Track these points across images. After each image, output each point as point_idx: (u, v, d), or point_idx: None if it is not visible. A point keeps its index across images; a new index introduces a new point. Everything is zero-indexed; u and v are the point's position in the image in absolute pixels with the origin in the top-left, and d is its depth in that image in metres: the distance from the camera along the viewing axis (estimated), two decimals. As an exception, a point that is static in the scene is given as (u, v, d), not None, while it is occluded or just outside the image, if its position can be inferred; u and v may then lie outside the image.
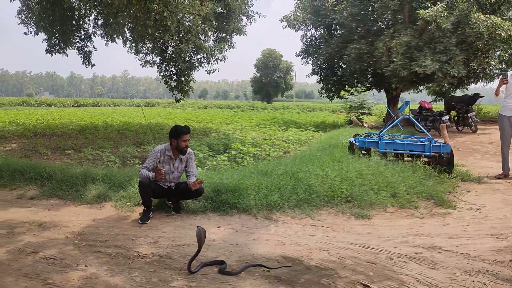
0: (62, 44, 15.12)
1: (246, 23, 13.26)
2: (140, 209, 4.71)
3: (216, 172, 5.96)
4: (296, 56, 19.71)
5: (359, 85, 16.67)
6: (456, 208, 5.07)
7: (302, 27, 18.19)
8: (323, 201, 4.98)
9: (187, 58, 11.61)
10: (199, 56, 12.27)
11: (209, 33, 11.56)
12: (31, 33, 14.76)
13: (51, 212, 4.80)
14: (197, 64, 12.32)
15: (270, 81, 67.22)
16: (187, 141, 4.51)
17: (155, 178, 4.36)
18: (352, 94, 15.52)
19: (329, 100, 19.35)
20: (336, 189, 5.11)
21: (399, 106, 17.46)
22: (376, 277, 3.12)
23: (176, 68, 11.99)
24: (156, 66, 12.52)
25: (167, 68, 12.44)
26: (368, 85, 16.81)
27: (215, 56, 12.23)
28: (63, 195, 5.36)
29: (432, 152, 6.20)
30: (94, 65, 15.11)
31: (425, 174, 6.00)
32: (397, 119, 7.02)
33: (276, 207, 4.77)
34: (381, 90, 18.24)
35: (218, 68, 12.81)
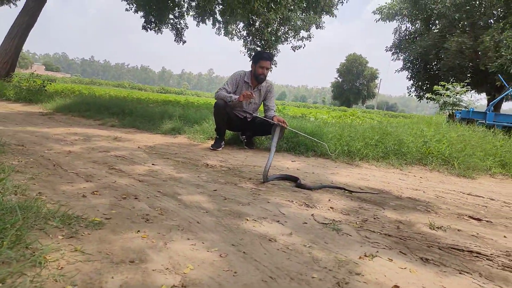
0: (157, 22, 15.98)
1: (337, 1, 12.61)
2: (213, 142, 4.50)
3: (295, 119, 5.56)
4: (387, 50, 18.57)
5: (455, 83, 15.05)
6: None
7: (397, 17, 17.02)
8: (415, 158, 4.30)
9: (273, 31, 11.40)
10: (286, 28, 11.99)
11: (298, 8, 11.22)
12: (131, 9, 15.81)
13: (127, 134, 4.81)
14: (283, 39, 12.07)
15: (351, 87, 64.80)
16: (264, 69, 4.09)
17: (239, 100, 4.00)
18: (447, 89, 14.02)
19: (418, 99, 17.86)
20: (432, 148, 4.40)
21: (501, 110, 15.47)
22: (489, 215, 2.46)
23: (262, 41, 11.86)
24: (242, 40, 12.56)
25: (253, 40, 12.38)
26: (466, 83, 15.12)
27: (301, 30, 11.84)
28: (140, 126, 5.40)
29: (557, 129, 5.11)
30: (186, 41, 15.70)
31: (544, 153, 4.95)
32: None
33: (358, 155, 4.22)
34: (482, 92, 16.34)
35: (304, 45, 12.42)
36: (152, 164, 3.11)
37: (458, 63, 14.52)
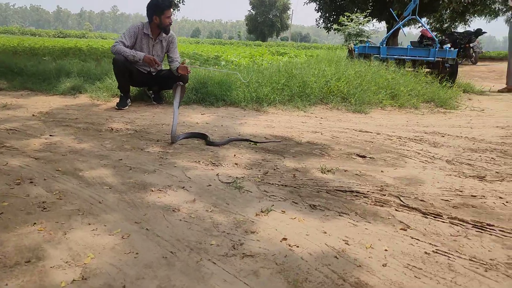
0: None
1: None
2: (118, 100, 4.29)
3: (203, 68, 5.49)
4: (294, -19, 18.39)
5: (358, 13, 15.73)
6: (458, 109, 4.76)
7: None
8: (318, 98, 4.60)
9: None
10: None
11: None
12: None
13: (18, 99, 4.36)
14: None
15: (265, 19, 64.20)
16: (170, 18, 3.95)
17: (146, 64, 3.90)
18: (351, 20, 14.67)
19: (326, 31, 18.42)
20: (332, 86, 4.72)
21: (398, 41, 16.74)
22: (373, 150, 2.82)
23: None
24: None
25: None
26: (368, 13, 15.89)
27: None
28: (34, 87, 4.89)
29: (437, 58, 5.77)
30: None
31: (427, 81, 5.61)
32: (401, 21, 6.49)
33: (266, 101, 4.38)
34: (382, 21, 17.33)
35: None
36: (50, 135, 2.92)
37: (361, -6, 15.04)
